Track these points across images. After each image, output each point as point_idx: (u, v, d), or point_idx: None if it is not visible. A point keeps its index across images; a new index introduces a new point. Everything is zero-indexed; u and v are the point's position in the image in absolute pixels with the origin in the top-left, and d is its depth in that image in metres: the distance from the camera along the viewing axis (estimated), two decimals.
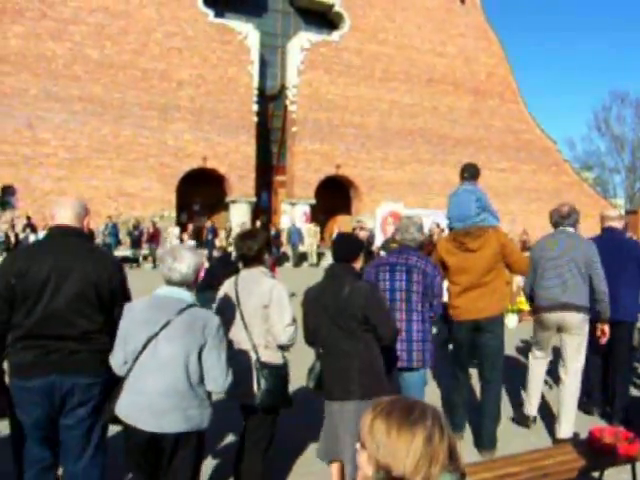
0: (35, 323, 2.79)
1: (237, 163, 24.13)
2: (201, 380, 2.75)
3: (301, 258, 23.30)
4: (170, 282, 2.81)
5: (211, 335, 2.74)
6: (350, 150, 26.54)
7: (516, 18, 75.91)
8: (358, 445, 1.37)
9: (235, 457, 3.50)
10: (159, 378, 2.67)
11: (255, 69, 24.75)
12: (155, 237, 20.96)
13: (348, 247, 3.58)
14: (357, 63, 26.99)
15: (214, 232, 22.40)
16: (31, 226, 19.68)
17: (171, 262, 2.79)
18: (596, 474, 3.77)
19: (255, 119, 24.65)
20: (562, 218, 4.88)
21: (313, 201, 25.56)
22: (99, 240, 19.81)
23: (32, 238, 18.21)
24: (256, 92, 24.72)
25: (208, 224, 23.15)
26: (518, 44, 71.95)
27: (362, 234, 13.43)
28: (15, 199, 21.20)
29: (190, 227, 20.89)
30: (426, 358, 4.02)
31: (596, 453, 3.33)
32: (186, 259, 2.79)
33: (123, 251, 20.34)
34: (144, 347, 2.70)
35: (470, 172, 4.70)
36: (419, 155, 28.39)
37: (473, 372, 5.42)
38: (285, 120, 26.12)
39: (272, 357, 3.35)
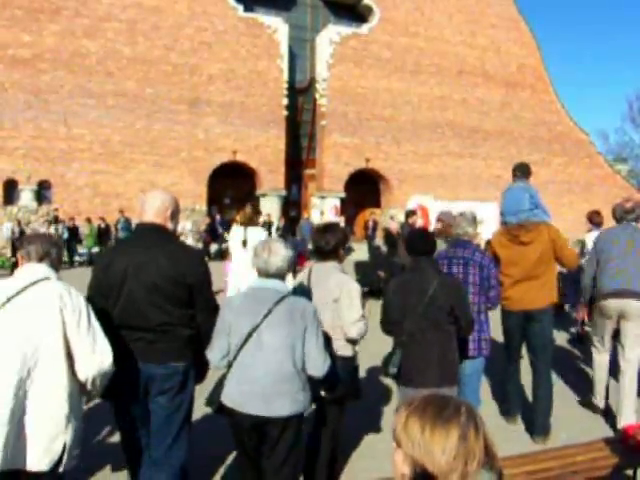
0: (118, 314, 2.87)
1: (267, 157, 23.32)
2: (304, 365, 2.81)
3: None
4: (266, 274, 2.85)
5: (309, 322, 2.81)
6: (380, 143, 25.46)
7: (549, 9, 73.10)
8: (394, 444, 1.32)
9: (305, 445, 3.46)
10: (267, 366, 2.71)
11: (284, 63, 23.87)
12: None
13: (426, 241, 3.66)
14: (387, 56, 25.83)
15: (226, 225, 21.49)
16: (57, 220, 19.13)
17: (267, 256, 2.84)
18: (629, 472, 3.50)
19: (285, 113, 23.79)
20: (626, 213, 4.97)
21: (343, 194, 24.61)
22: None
23: (52, 231, 17.71)
24: (286, 86, 23.86)
25: (218, 217, 22.20)
26: (550, 35, 69.39)
27: (393, 226, 12.52)
28: (51, 193, 20.76)
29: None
30: (482, 347, 4.12)
31: (629, 450, 3.17)
32: (281, 253, 2.85)
33: None
34: (247, 338, 2.74)
35: (522, 170, 4.87)
36: (449, 148, 27.15)
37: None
38: (315, 113, 25.17)
39: (343, 349, 3.37)
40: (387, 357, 3.54)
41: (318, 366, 2.82)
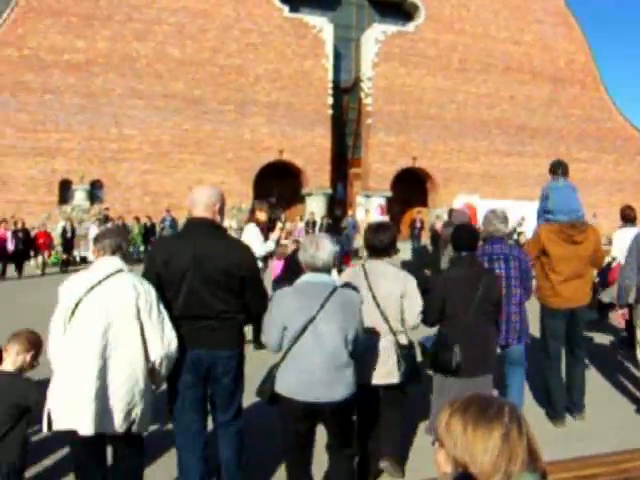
0: (181, 305, 3.04)
1: (313, 156, 23.14)
2: (353, 351, 2.95)
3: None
4: (313, 268, 2.95)
5: (357, 311, 2.97)
6: (426, 142, 24.98)
7: (598, 3, 70.76)
8: (436, 443, 1.32)
9: (361, 432, 3.61)
10: (325, 355, 2.83)
11: (330, 62, 23.70)
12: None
13: (473, 236, 3.91)
14: (433, 54, 25.35)
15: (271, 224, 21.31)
16: (108, 219, 19.31)
17: (314, 251, 2.92)
18: None
19: (330, 112, 23.59)
20: None
21: (389, 193, 24.22)
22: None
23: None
24: (331, 85, 23.67)
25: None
26: (600, 31, 67.17)
27: (438, 225, 12.16)
28: (103, 193, 21.05)
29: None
30: (523, 335, 4.36)
31: None
32: (327, 248, 2.93)
33: None
34: (303, 330, 2.84)
35: (565, 168, 4.92)
36: (496, 146, 26.45)
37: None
38: (360, 112, 24.86)
39: (405, 340, 3.59)
40: (433, 350, 3.77)
41: (360, 350, 3.03)
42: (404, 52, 24.83)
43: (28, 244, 16.03)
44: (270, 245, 6.76)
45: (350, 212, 21.99)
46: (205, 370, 3.09)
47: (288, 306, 2.91)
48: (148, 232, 19.68)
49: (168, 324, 2.93)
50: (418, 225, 22.82)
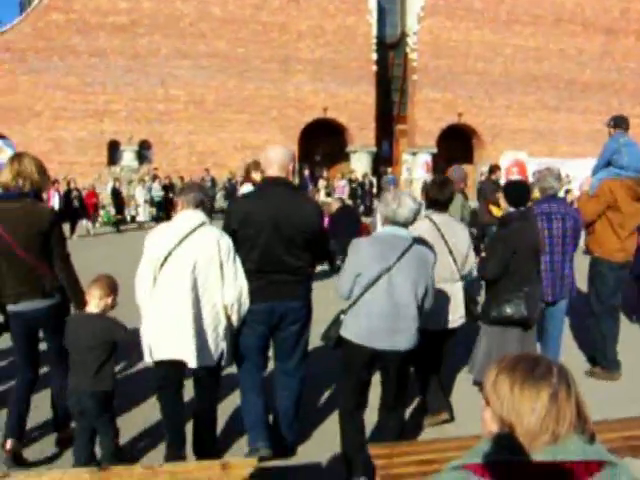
0: (256, 260, 3.20)
1: (357, 113, 22.57)
2: (421, 304, 3.05)
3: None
4: (393, 223, 3.03)
5: (430, 267, 3.06)
6: (473, 98, 24.06)
7: None
8: (483, 402, 1.30)
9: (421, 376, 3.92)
10: (396, 305, 2.93)
11: (374, 17, 22.90)
12: None
13: (528, 192, 4.00)
14: (480, 6, 24.19)
15: (315, 181, 20.86)
16: (155, 178, 19.31)
17: (396, 207, 2.99)
18: None
19: (375, 68, 22.87)
20: None
21: (434, 150, 23.51)
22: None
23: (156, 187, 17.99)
24: (375, 41, 22.91)
25: (306, 173, 21.54)
26: None
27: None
28: (151, 153, 21.07)
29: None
30: (573, 290, 4.42)
31: None
32: (408, 205, 3.00)
33: (219, 202, 19.64)
34: (377, 278, 2.92)
35: (627, 124, 4.83)
36: (544, 102, 25.27)
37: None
38: (406, 68, 24.06)
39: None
40: (505, 302, 3.74)
41: (429, 307, 3.12)
42: (450, 5, 23.77)
43: (81, 204, 16.16)
44: None
45: (390, 170, 21.35)
46: (277, 320, 3.27)
47: (365, 254, 2.99)
48: None
49: (241, 274, 3.16)
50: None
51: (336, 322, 3.08)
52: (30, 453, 3.43)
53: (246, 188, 6.62)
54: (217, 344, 3.13)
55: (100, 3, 20.91)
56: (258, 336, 3.28)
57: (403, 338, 2.95)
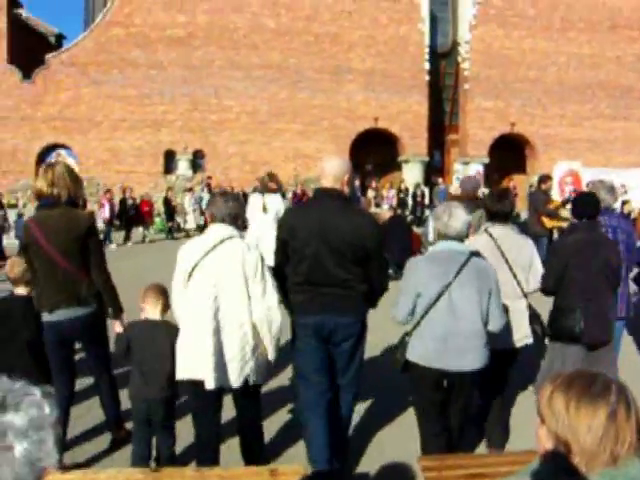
0: (304, 272, 3.09)
1: (409, 123, 22.33)
2: (487, 322, 2.90)
3: None
4: (445, 236, 2.91)
5: (493, 281, 2.90)
6: (525, 106, 23.48)
7: None
8: (538, 419, 1.26)
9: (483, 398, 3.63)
10: (459, 323, 2.80)
11: (426, 26, 22.66)
12: (301, 199, 19.79)
13: (594, 203, 3.76)
14: (532, 13, 23.64)
15: (364, 191, 20.56)
16: (209, 187, 19.48)
17: (447, 219, 2.88)
18: None
19: (427, 77, 22.63)
20: None
21: (486, 160, 23.00)
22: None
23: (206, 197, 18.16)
24: (427, 50, 22.61)
25: (357, 183, 21.29)
26: None
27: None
28: (204, 162, 21.33)
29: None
30: (629, 307, 4.24)
31: None
32: (460, 217, 2.89)
33: None
34: (438, 297, 2.80)
35: None
36: (600, 110, 24.46)
37: None
38: (457, 77, 23.69)
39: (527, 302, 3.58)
40: (561, 317, 3.57)
41: (498, 323, 2.93)
42: (502, 13, 23.31)
43: (136, 212, 16.46)
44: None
45: (440, 180, 20.94)
46: (327, 334, 3.15)
47: (422, 273, 2.90)
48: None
49: (271, 290, 2.98)
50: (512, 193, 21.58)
51: (402, 344, 2.99)
52: (85, 453, 3.45)
53: (274, 196, 7.07)
54: (244, 364, 2.95)
55: (158, 17, 21.38)
56: (311, 351, 3.19)
57: (470, 358, 2.83)
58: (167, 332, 3.04)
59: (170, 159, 21.46)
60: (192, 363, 2.92)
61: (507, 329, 3.38)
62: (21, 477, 0.80)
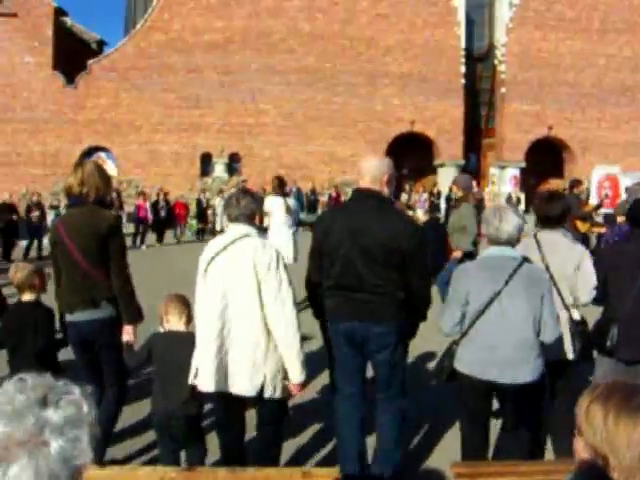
0: (336, 275, 2.93)
1: (445, 126, 22.11)
2: (539, 332, 2.72)
3: None
4: (497, 241, 2.78)
5: (546, 289, 2.73)
6: (563, 110, 23.04)
7: None
8: (575, 431, 1.22)
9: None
10: (509, 333, 2.65)
11: (462, 30, 22.44)
12: (337, 201, 19.70)
13: None
14: (571, 15, 23.19)
15: (398, 194, 20.37)
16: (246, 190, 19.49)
17: (498, 223, 2.75)
18: None
19: (463, 81, 22.40)
20: None
21: (523, 164, 22.63)
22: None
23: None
24: (463, 53, 22.36)
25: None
26: None
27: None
28: (240, 165, 21.45)
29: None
30: None
31: None
32: (512, 220, 2.75)
33: (303, 215, 19.52)
34: (487, 305, 2.67)
35: None
36: (639, 113, 23.77)
37: None
38: (494, 81, 23.36)
39: (578, 315, 3.29)
40: (600, 330, 3.33)
41: (552, 334, 2.74)
42: (540, 15, 22.92)
43: (168, 214, 16.71)
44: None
45: (475, 184, 20.68)
46: (360, 342, 2.96)
47: (471, 280, 2.76)
48: None
49: (286, 291, 2.75)
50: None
51: (448, 353, 2.85)
52: (123, 450, 3.45)
53: (275, 198, 7.42)
54: (254, 372, 2.72)
55: (196, 22, 21.61)
56: (343, 359, 3.03)
57: (522, 370, 2.66)
58: (191, 344, 2.84)
59: (207, 162, 21.66)
60: (201, 371, 2.77)
61: (560, 340, 3.15)
62: (56, 473, 0.81)
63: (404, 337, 3.01)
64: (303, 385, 2.87)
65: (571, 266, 3.20)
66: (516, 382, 2.66)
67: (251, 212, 2.86)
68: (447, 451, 3.17)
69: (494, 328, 2.67)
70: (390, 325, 2.91)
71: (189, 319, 2.99)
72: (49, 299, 3.30)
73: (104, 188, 3.22)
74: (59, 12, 21.92)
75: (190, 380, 2.79)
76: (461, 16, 22.36)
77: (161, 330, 3.03)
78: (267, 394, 2.74)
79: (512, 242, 2.78)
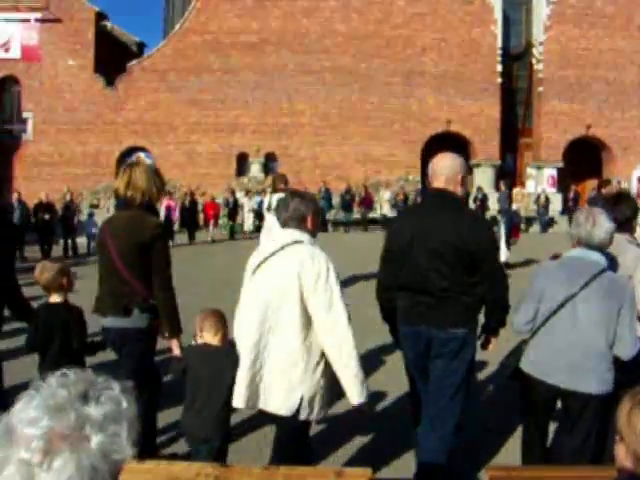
0: (404, 277, 2.87)
1: (481, 126, 21.73)
2: (612, 344, 2.58)
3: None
4: (587, 245, 2.69)
5: (626, 300, 2.58)
6: (602, 109, 22.41)
7: None
8: (617, 437, 1.18)
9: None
10: (579, 339, 2.55)
11: (499, 28, 21.99)
12: (366, 201, 19.51)
13: None
14: (611, 12, 22.53)
15: None
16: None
17: (590, 227, 2.67)
18: None
19: (499, 80, 21.94)
20: None
21: (560, 164, 22.09)
22: None
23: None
24: (500, 52, 21.91)
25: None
26: None
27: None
28: (276, 165, 21.43)
29: None
30: None
31: None
32: (604, 225, 2.67)
33: (334, 215, 19.54)
34: (560, 307, 2.59)
35: None
36: None
37: None
38: (531, 80, 22.85)
39: None
40: None
41: (628, 349, 2.57)
42: (579, 12, 22.31)
43: (195, 214, 17.01)
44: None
45: (502, 184, 20.08)
46: (423, 347, 2.86)
47: (548, 278, 2.72)
48: None
49: (338, 305, 2.49)
50: (572, 197, 20.70)
51: (515, 352, 2.82)
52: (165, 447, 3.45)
53: (279, 195, 7.30)
54: (287, 391, 2.50)
55: (233, 24, 21.64)
56: (410, 363, 2.98)
57: (588, 379, 2.54)
58: (224, 360, 2.67)
59: (243, 162, 21.70)
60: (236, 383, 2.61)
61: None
62: (96, 467, 0.82)
63: (467, 346, 2.82)
64: (364, 407, 2.61)
65: (625, 273, 3.00)
66: (579, 390, 2.54)
67: (301, 215, 2.64)
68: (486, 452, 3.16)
69: (564, 332, 2.59)
70: (454, 332, 2.78)
71: (224, 337, 2.79)
72: (78, 298, 3.25)
73: (153, 193, 3.08)
74: (100, 16, 22.21)
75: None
76: (498, 14, 21.91)
77: (194, 343, 2.89)
78: (302, 416, 2.52)
79: (603, 247, 2.71)
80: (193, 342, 2.89)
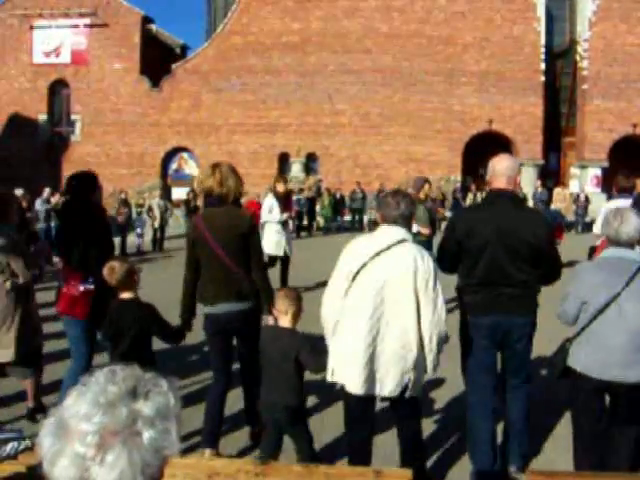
0: (481, 273, 3.05)
1: (523, 125, 21.27)
2: None
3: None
4: (616, 243, 2.77)
5: None
6: None
7: None
8: None
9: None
10: (628, 334, 2.62)
11: (542, 25, 21.45)
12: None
13: None
14: None
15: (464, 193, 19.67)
16: (319, 189, 19.41)
17: (618, 225, 2.73)
18: None
19: (542, 78, 21.45)
20: None
21: (605, 164, 21.46)
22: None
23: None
24: (543, 50, 21.40)
25: (473, 187, 20.19)
26: None
27: None
28: (317, 165, 21.40)
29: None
30: None
31: None
32: (632, 222, 2.73)
33: (369, 215, 19.08)
34: (605, 307, 2.66)
35: None
36: None
37: None
38: (575, 77, 22.26)
39: None
40: None
41: None
42: (625, 7, 21.58)
43: None
44: (280, 217, 7.31)
45: (538, 183, 19.49)
46: (501, 335, 3.09)
47: (589, 280, 2.77)
48: (337, 203, 19.14)
49: (441, 301, 2.81)
50: None
51: (562, 350, 2.88)
52: (225, 445, 3.50)
53: (269, 198, 7.38)
54: (402, 374, 2.80)
55: (274, 25, 21.68)
56: (483, 352, 3.14)
57: (636, 369, 2.64)
58: (288, 342, 2.93)
59: (284, 162, 21.74)
60: (343, 366, 2.82)
61: None
62: (148, 462, 0.83)
63: (535, 327, 3.18)
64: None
65: None
66: (630, 381, 2.65)
67: (411, 214, 2.90)
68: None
69: (613, 331, 2.65)
70: (530, 316, 3.11)
71: (296, 316, 2.99)
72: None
73: (239, 190, 3.40)
74: (145, 20, 22.52)
75: (328, 375, 2.88)
76: (541, 11, 21.38)
77: (270, 323, 3.20)
78: (408, 394, 2.84)
79: (632, 243, 2.77)
80: (270, 321, 3.21)
